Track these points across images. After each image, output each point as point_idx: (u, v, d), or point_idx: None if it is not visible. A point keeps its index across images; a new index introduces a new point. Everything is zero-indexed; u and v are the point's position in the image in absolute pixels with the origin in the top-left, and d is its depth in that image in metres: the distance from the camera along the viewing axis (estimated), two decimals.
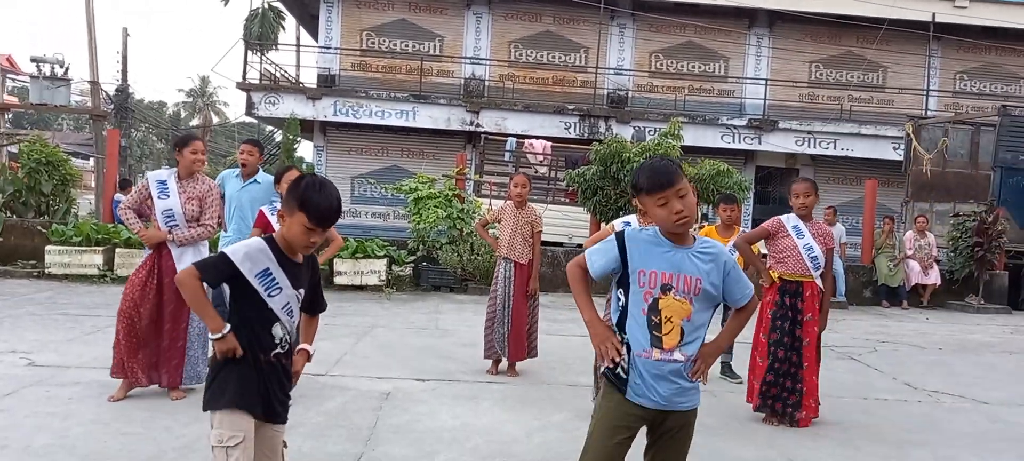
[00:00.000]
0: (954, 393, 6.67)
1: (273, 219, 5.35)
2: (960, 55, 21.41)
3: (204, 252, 5.34)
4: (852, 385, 6.76)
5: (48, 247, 11.12)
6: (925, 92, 20.37)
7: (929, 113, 19.21)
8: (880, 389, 6.70)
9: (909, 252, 13.20)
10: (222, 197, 6.13)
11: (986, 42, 20.82)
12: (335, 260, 11.34)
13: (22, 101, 29.58)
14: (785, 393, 5.24)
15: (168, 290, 5.16)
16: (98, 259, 11.07)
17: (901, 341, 9.55)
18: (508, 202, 6.67)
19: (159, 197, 5.18)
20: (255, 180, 6.39)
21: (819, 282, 5.31)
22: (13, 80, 33.99)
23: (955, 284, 13.50)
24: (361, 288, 11.34)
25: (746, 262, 5.75)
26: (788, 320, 5.25)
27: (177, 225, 5.19)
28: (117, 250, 11.18)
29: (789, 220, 5.40)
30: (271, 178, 6.06)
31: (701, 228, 7.50)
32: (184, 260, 5.16)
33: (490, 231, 7.19)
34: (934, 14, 19.59)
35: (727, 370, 6.75)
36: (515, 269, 6.44)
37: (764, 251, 5.76)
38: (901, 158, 16.61)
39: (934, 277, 13.25)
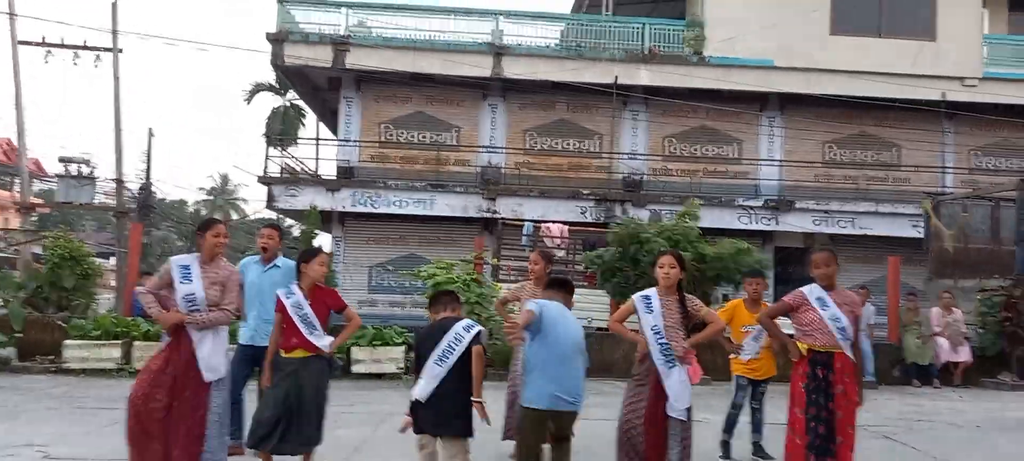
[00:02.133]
0: None
1: (288, 303, 5.30)
2: (974, 132, 21.42)
3: (224, 337, 5.29)
4: None
5: (66, 341, 11.14)
6: (941, 169, 20.34)
7: (946, 190, 19.12)
8: None
9: (937, 328, 12.90)
10: (241, 286, 6.11)
11: (1000, 118, 20.87)
12: (353, 348, 11.27)
13: (47, 202, 30.31)
14: None
15: (186, 378, 5.07)
16: (116, 353, 11.06)
17: (937, 419, 9.23)
18: (528, 281, 6.60)
19: (181, 282, 5.16)
20: (276, 265, 6.38)
21: (849, 353, 5.15)
22: (40, 182, 34.87)
23: (986, 361, 13.12)
24: (379, 376, 11.20)
25: (771, 337, 5.62)
26: (821, 394, 5.07)
27: (198, 309, 5.14)
28: (135, 343, 11.16)
29: (812, 292, 5.29)
30: (292, 263, 6.02)
31: (721, 307, 7.37)
32: (204, 344, 5.09)
33: (507, 309, 7.10)
34: (944, 93, 19.75)
35: (759, 451, 6.52)
36: None
37: (790, 330, 5.61)
38: (920, 235, 16.45)
39: (966, 354, 12.90)
